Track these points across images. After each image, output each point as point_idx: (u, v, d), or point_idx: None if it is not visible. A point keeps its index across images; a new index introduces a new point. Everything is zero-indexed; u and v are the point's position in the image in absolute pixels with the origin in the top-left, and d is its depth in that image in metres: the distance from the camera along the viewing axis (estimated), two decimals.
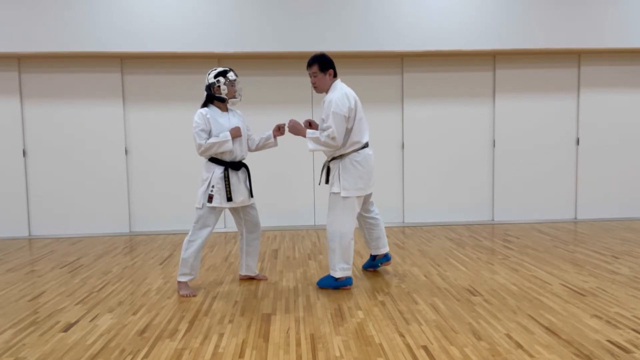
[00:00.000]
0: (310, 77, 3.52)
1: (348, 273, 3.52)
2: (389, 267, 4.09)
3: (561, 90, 6.17)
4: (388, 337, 2.65)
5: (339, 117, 3.37)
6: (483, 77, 6.14)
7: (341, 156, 3.50)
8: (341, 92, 3.45)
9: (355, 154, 3.50)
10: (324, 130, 3.42)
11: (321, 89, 3.53)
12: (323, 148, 3.49)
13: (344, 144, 3.46)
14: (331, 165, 3.57)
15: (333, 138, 3.37)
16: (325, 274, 3.90)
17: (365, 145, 3.55)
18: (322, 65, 3.47)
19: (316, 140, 3.44)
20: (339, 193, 3.45)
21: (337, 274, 3.50)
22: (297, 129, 3.53)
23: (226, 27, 5.65)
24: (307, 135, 3.47)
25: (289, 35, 5.67)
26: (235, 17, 5.66)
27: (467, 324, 2.83)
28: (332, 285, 3.54)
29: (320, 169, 3.68)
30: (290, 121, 3.55)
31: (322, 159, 3.79)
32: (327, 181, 3.63)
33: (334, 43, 5.64)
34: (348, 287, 3.55)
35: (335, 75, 3.54)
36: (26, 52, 5.49)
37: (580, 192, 6.26)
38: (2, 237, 5.75)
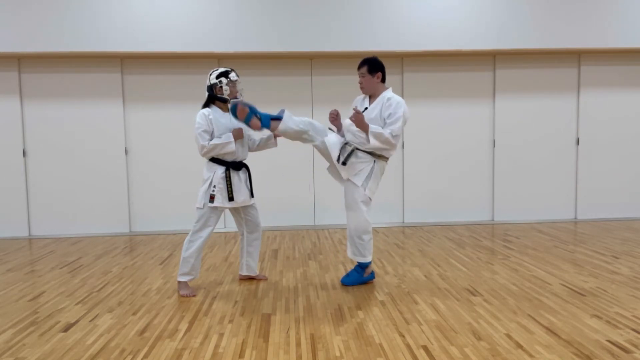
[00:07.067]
0: (359, 76, 3.57)
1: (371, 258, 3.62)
2: (389, 267, 4.09)
3: (561, 90, 6.17)
4: (388, 337, 2.65)
5: (404, 120, 3.43)
6: (483, 77, 6.14)
7: (380, 157, 3.50)
8: (401, 99, 3.51)
9: (386, 162, 3.57)
10: (388, 125, 3.39)
11: (367, 89, 3.57)
12: (382, 146, 3.39)
13: None
14: (362, 155, 3.47)
15: (396, 136, 3.38)
16: (328, 273, 3.90)
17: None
18: (371, 67, 3.52)
19: (379, 136, 3.35)
20: (362, 188, 3.47)
21: (368, 258, 3.57)
22: (362, 123, 3.36)
23: (226, 27, 5.65)
24: (370, 130, 3.35)
25: (289, 35, 5.66)
26: (235, 17, 5.66)
27: (467, 324, 2.83)
28: (359, 281, 3.63)
29: (338, 156, 3.49)
30: (357, 114, 3.34)
31: (323, 159, 3.76)
32: (344, 162, 3.46)
33: (334, 43, 5.64)
34: (372, 281, 3.68)
35: (383, 80, 3.56)
36: (26, 52, 5.49)
37: (580, 192, 6.26)
38: (2, 237, 5.74)
